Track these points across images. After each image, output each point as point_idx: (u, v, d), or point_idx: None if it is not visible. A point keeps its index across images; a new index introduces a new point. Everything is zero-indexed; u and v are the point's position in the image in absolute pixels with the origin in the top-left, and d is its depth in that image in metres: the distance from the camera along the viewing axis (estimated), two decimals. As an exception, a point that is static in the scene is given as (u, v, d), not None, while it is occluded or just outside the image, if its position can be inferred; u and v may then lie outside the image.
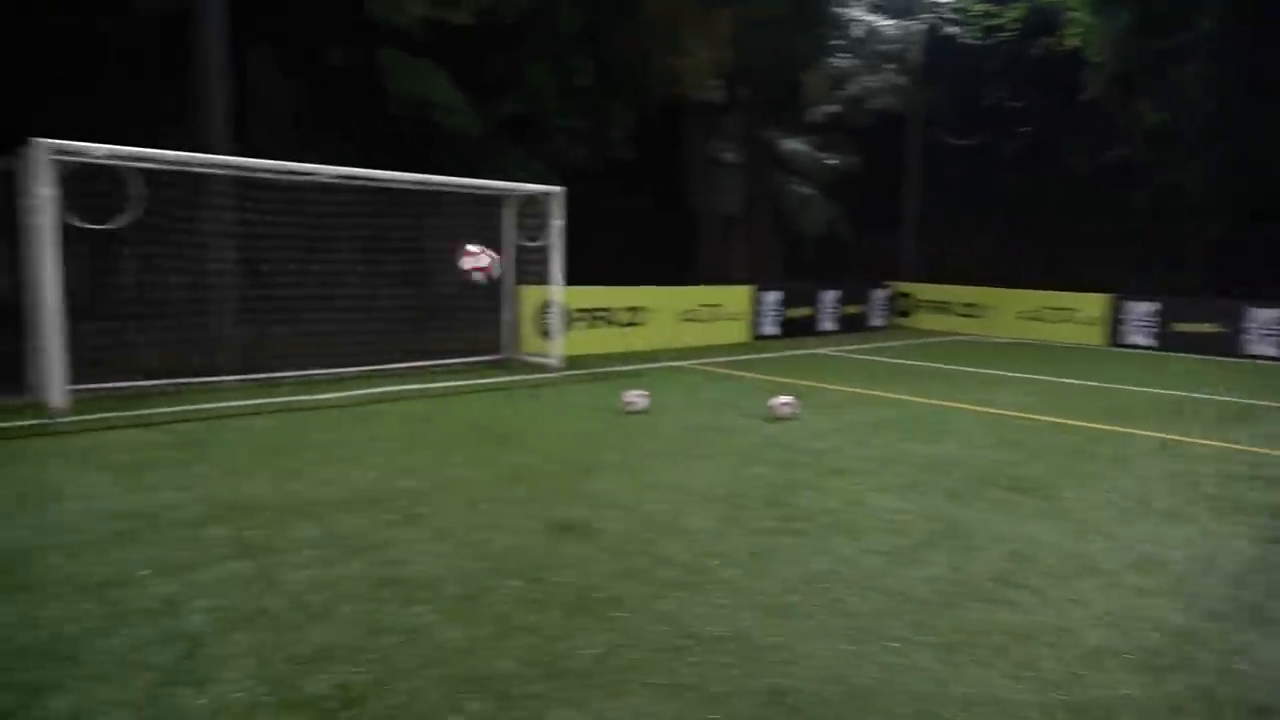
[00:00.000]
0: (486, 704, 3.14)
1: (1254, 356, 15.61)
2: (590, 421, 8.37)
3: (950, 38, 22.66)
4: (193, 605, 3.87)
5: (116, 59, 13.54)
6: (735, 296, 16.46)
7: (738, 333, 16.26)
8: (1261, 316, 15.73)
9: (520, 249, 11.96)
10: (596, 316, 13.81)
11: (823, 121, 19.97)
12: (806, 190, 19.17)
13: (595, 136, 18.51)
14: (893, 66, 21.19)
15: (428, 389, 9.97)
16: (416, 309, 11.89)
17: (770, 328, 16.95)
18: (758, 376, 11.70)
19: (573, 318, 13.31)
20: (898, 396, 10.32)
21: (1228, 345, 15.91)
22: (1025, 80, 22.22)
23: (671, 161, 20.78)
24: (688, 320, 15.29)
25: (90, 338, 8.62)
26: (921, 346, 16.58)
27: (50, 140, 7.64)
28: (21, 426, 7.38)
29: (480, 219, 11.89)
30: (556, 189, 11.55)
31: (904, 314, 20.61)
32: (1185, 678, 3.53)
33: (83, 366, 8.45)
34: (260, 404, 8.70)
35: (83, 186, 8.11)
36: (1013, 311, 18.92)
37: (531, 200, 11.77)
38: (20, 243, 8.06)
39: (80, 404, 8.07)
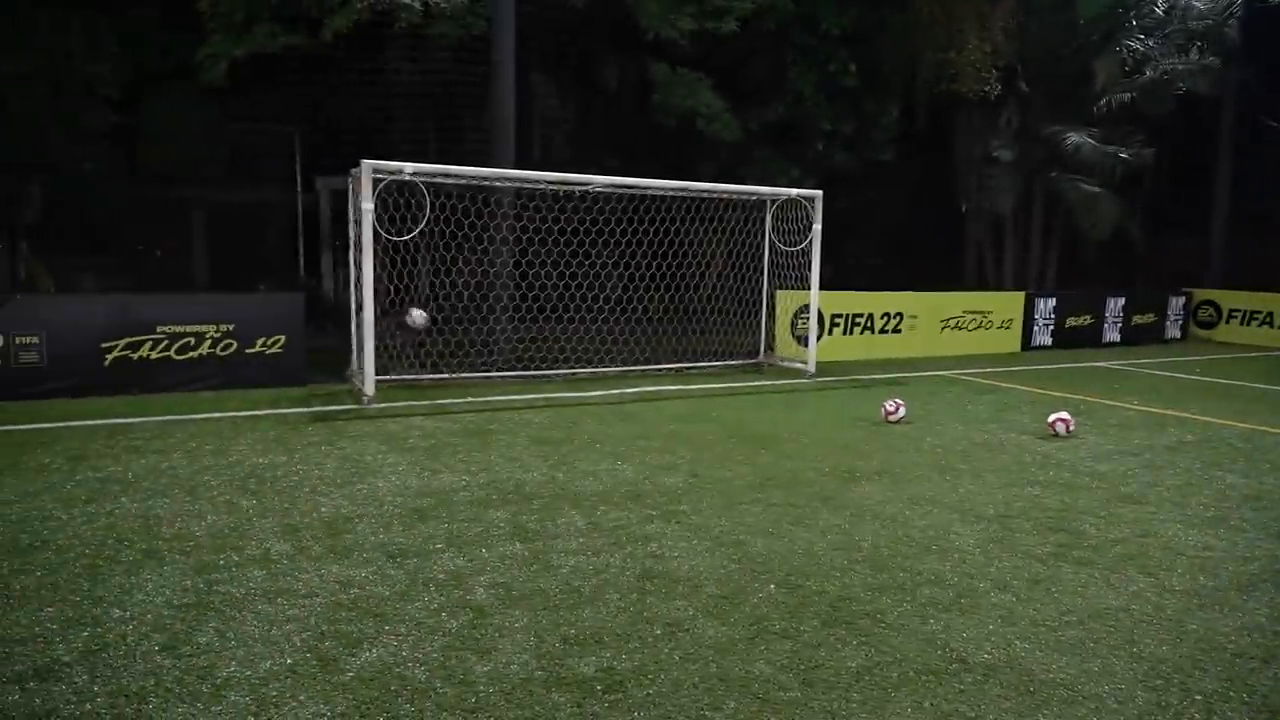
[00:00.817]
0: (744, 704, 3.17)
1: None
2: (848, 429, 8.18)
3: (1275, 7, 19.66)
4: (478, 580, 4.25)
5: (419, 93, 15.27)
6: (1005, 302, 15.37)
7: (1007, 342, 15.17)
8: None
9: (778, 253, 11.95)
10: (854, 322, 13.48)
11: (1113, 112, 18.07)
12: (1091, 188, 17.45)
13: (860, 138, 18.08)
14: (1202, 45, 18.73)
15: (686, 390, 10.24)
16: (676, 312, 12.26)
17: (1044, 337, 15.65)
18: (1029, 389, 10.85)
19: (831, 323, 13.09)
20: (1198, 418, 9.14)
21: None
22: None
23: (940, 161, 19.81)
24: (952, 327, 14.50)
25: (391, 335, 9.77)
26: (1229, 362, 14.55)
27: (372, 161, 8.72)
28: (343, 410, 8.49)
29: (740, 224, 12.05)
30: (814, 192, 11.42)
31: (1207, 325, 18.20)
32: None
33: (389, 360, 9.60)
34: (533, 399, 9.37)
35: (389, 201, 9.21)
36: (1353, 324, 16.10)
37: (790, 204, 11.72)
38: (348, 250, 9.31)
39: (385, 392, 9.14)
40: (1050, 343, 15.73)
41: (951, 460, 7.00)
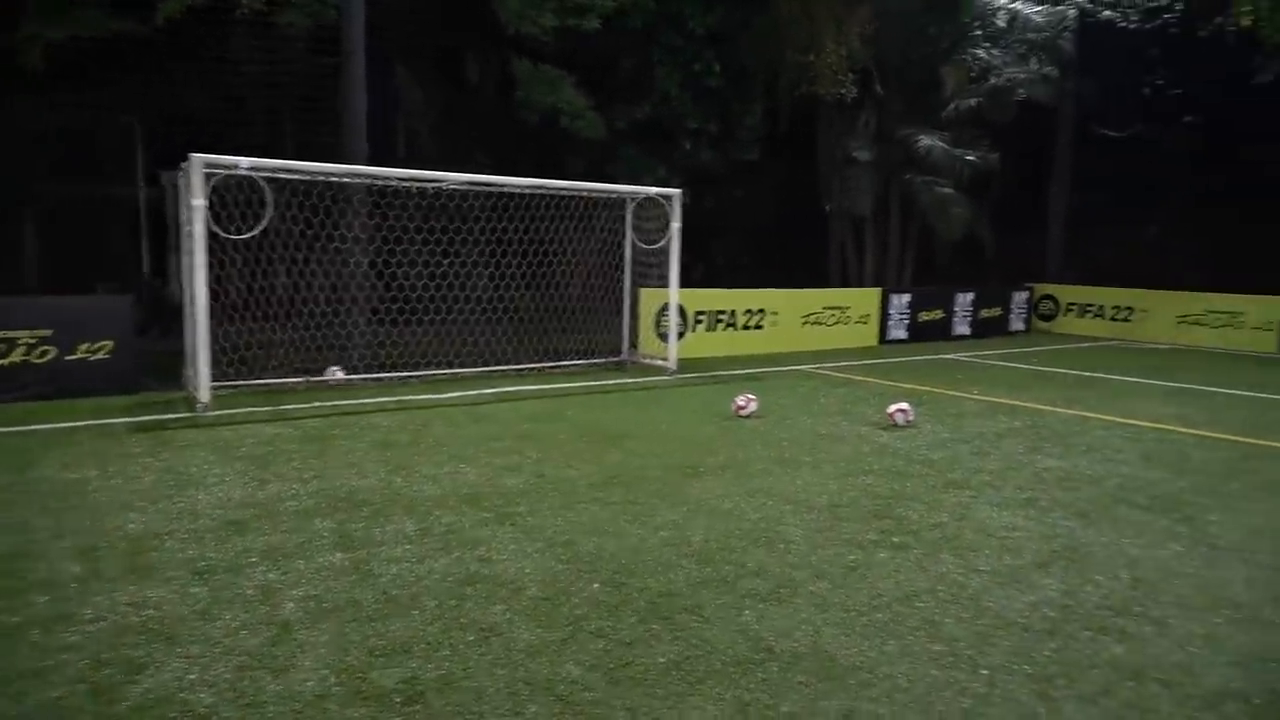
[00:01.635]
0: (546, 707, 3.14)
1: None
2: (700, 425, 8.30)
3: (1106, 22, 21.17)
4: (289, 594, 4.07)
5: (266, 83, 14.60)
6: (862, 299, 15.97)
7: (865, 336, 15.76)
8: None
9: (642, 251, 12.02)
10: (718, 319, 13.71)
11: (962, 116, 19.04)
12: (944, 189, 18.34)
13: (726, 138, 18.42)
14: (1041, 56, 19.96)
15: (545, 390, 10.16)
16: (538, 311, 12.16)
17: (899, 331, 16.34)
18: (880, 382, 11.29)
19: (694, 320, 13.27)
20: (1029, 405, 9.72)
21: None
22: (1191, 66, 20.48)
23: (805, 162, 20.40)
24: (812, 323, 14.95)
25: (236, 337, 9.31)
26: (1064, 352, 15.56)
27: (203, 155, 8.26)
28: (174, 419, 8.01)
29: (601, 222, 12.06)
30: (674, 191, 11.54)
31: (1047, 318, 19.43)
32: (1324, 731, 3.13)
33: (231, 364, 9.14)
34: (384, 401, 9.10)
35: (228, 197, 8.76)
36: (1170, 315, 17.51)
37: (650, 202, 11.81)
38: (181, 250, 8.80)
39: (224, 399, 8.69)
40: (906, 336, 16.43)
41: (795, 453, 7.19)
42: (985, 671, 3.50)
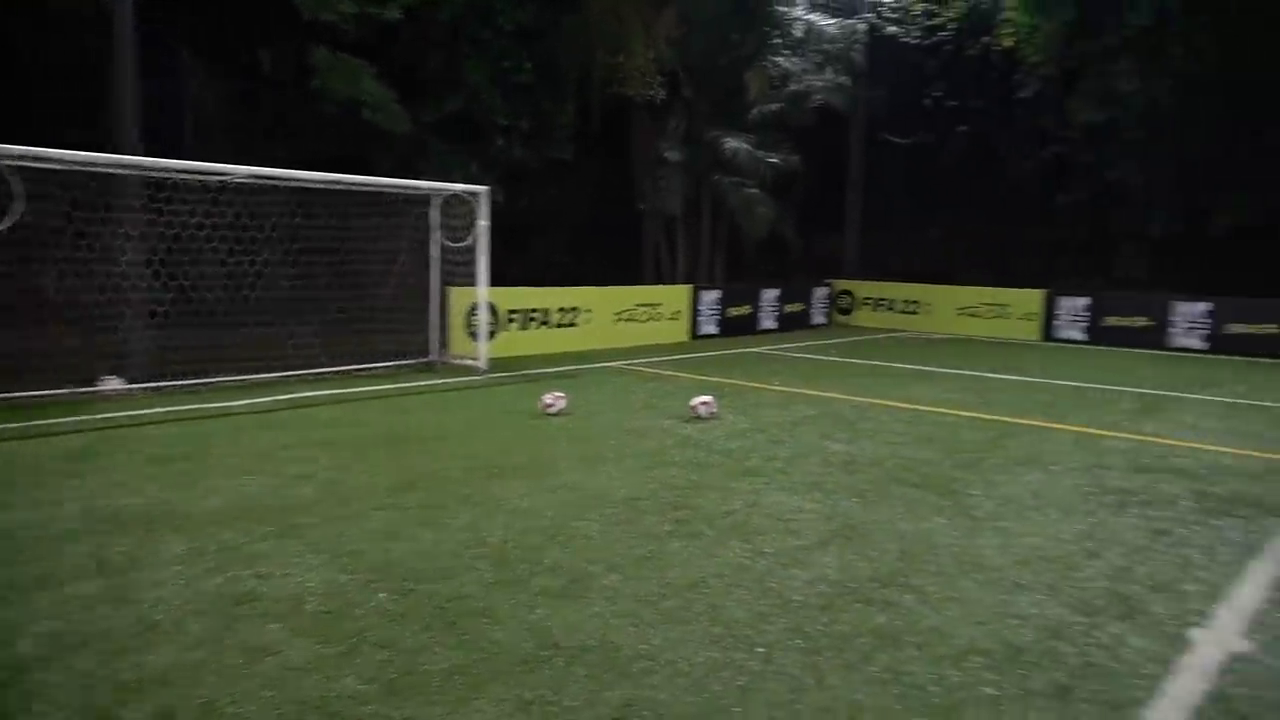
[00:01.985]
0: (317, 726, 3.00)
1: (1180, 349, 15.91)
2: (507, 425, 8.22)
3: (891, 37, 22.84)
4: (28, 629, 3.67)
5: (33, 63, 13.17)
6: (673, 296, 16.40)
7: (676, 332, 16.19)
8: (1187, 310, 16.03)
9: (453, 250, 11.76)
10: (530, 318, 13.65)
11: (765, 121, 19.97)
12: (750, 190, 19.16)
13: (539, 135, 18.35)
14: (835, 66, 21.27)
15: (346, 394, 9.75)
16: (344, 312, 11.64)
17: (710, 327, 16.91)
18: (690, 377, 11.63)
19: (506, 319, 13.14)
20: (824, 394, 10.31)
21: (1156, 338, 16.20)
22: (964, 80, 22.46)
23: (617, 161, 20.69)
24: (625, 320, 15.19)
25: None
26: (858, 344, 16.65)
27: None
28: (-98, 440, 7.06)
29: (408, 219, 11.69)
30: (480, 189, 11.38)
31: (845, 312, 20.74)
32: (1046, 674, 3.49)
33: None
34: (166, 412, 8.42)
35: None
36: (951, 308, 19.12)
37: (458, 200, 11.58)
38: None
39: (-30, 415, 7.75)
40: (717, 331, 17.03)
41: (599, 449, 7.26)
42: (761, 649, 3.66)
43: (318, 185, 10.33)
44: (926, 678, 3.45)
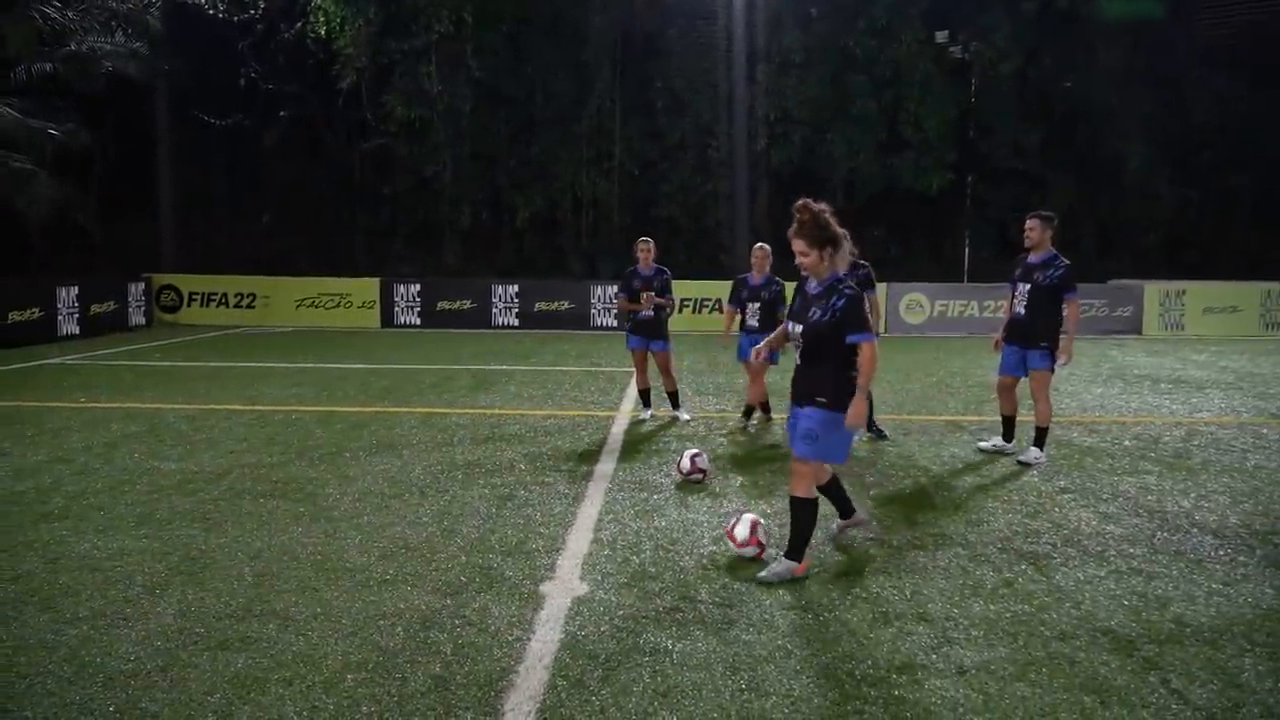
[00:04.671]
0: None
1: (501, 327, 17.96)
2: None
3: (195, 7, 20.88)
4: None
5: None
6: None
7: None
8: (503, 292, 18.16)
9: None
10: None
11: (38, 83, 16.45)
12: (24, 165, 15.61)
13: None
14: (126, 29, 18.54)
15: None
16: None
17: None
18: (-47, 403, 8.96)
19: None
20: (148, 406, 8.90)
21: (481, 319, 18.01)
22: (281, 64, 21.75)
23: None
24: None
25: None
26: (188, 344, 15.00)
27: None
28: None
29: None
30: None
31: (171, 309, 18.55)
32: (422, 670, 3.35)
33: None
34: None
35: None
36: (292, 300, 18.50)
37: None
38: None
39: None
40: (-4, 343, 13.56)
41: None
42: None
43: None
44: (305, 715, 3.02)
